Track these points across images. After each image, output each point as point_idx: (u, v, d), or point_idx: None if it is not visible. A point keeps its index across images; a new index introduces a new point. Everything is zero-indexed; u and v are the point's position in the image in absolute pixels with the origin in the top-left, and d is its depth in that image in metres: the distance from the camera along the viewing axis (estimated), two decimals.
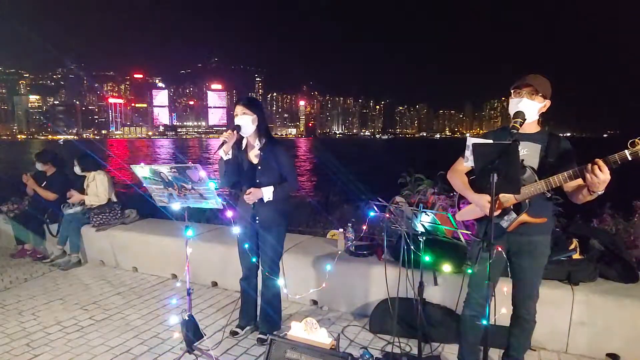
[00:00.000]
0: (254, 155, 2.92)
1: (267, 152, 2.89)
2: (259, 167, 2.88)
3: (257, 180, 2.88)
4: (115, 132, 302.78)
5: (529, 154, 2.15)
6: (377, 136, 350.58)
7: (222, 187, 2.95)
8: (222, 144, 2.73)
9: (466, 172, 2.36)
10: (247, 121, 2.80)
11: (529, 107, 2.10)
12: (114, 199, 5.07)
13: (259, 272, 3.08)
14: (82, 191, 4.98)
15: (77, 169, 4.99)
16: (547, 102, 2.18)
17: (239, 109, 2.82)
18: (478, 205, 2.23)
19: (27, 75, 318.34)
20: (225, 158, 2.81)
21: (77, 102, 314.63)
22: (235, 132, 2.75)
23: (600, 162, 1.84)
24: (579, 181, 2.01)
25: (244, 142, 2.95)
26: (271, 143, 2.92)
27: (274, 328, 3.09)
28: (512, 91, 2.20)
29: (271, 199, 2.86)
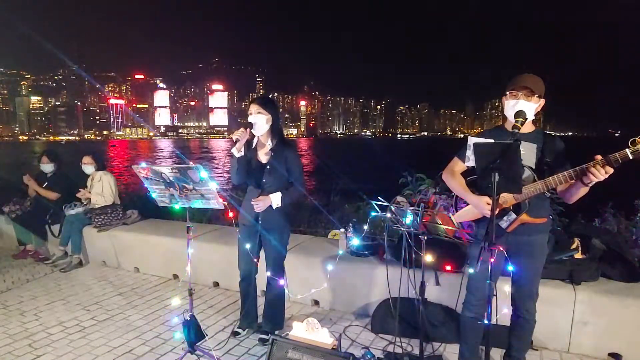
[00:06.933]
0: (263, 155, 2.91)
1: (278, 153, 2.88)
2: (267, 167, 2.87)
3: (264, 180, 2.87)
4: (117, 133, 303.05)
5: (526, 153, 2.15)
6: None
7: (234, 184, 2.97)
8: (235, 142, 2.73)
9: (462, 173, 2.36)
10: (261, 120, 2.80)
11: (525, 108, 2.10)
12: (117, 201, 5.09)
13: (259, 273, 3.09)
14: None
15: (89, 168, 4.99)
16: (542, 101, 2.19)
17: (253, 108, 2.82)
18: (477, 207, 2.23)
19: (29, 76, 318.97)
20: (237, 155, 2.80)
21: (79, 103, 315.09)
22: (248, 130, 2.74)
23: (603, 161, 1.85)
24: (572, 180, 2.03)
25: (255, 140, 2.95)
26: (282, 144, 2.91)
27: (276, 328, 3.09)
28: (507, 92, 2.20)
29: (280, 205, 2.86)
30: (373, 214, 2.60)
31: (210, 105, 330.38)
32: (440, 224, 2.23)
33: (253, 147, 2.94)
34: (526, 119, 2.07)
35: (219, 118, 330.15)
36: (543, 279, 2.43)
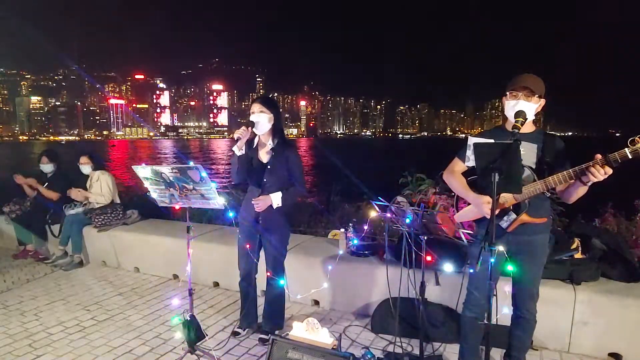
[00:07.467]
0: (264, 154, 2.92)
1: (279, 152, 2.88)
2: (268, 167, 2.87)
3: (264, 179, 2.87)
4: (117, 133, 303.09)
5: (526, 153, 2.15)
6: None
7: (235, 183, 2.97)
8: (237, 140, 2.74)
9: (463, 173, 2.36)
10: (263, 119, 2.80)
11: (526, 108, 2.09)
12: (117, 200, 5.09)
13: (259, 273, 3.09)
14: (84, 189, 5.00)
15: (86, 168, 4.99)
16: (542, 101, 2.18)
17: (256, 107, 2.82)
18: (477, 207, 2.23)
19: (29, 76, 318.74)
20: (238, 154, 2.81)
21: (79, 103, 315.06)
22: (249, 128, 2.74)
23: (603, 160, 1.85)
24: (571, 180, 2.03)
25: (256, 140, 2.95)
26: (283, 144, 2.91)
27: (276, 328, 3.09)
28: (507, 93, 2.19)
29: (280, 204, 2.86)
30: (373, 214, 2.60)
31: (210, 105, 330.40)
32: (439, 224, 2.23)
33: (254, 146, 2.94)
34: (526, 119, 2.06)
35: (219, 118, 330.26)
36: (543, 279, 2.43)
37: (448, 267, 2.95)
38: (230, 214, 2.94)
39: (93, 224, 4.83)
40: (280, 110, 3.03)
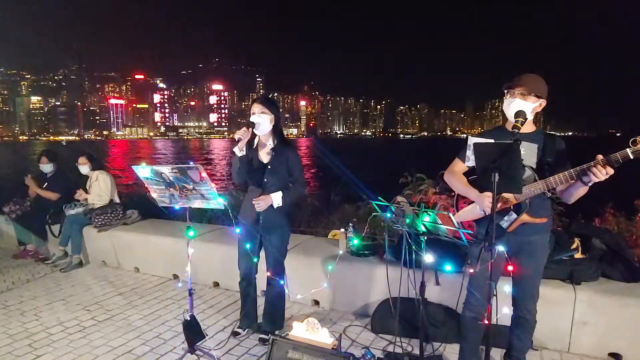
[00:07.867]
0: (264, 154, 2.92)
1: (279, 152, 2.89)
2: (269, 167, 2.88)
3: (265, 179, 2.88)
4: (117, 133, 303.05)
5: (527, 153, 2.15)
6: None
7: (236, 183, 2.97)
8: (238, 141, 2.74)
9: (464, 173, 2.36)
10: (265, 120, 2.81)
11: (521, 107, 2.08)
12: (117, 200, 5.09)
13: (259, 273, 3.09)
14: (84, 191, 5.00)
15: (85, 168, 4.99)
16: (542, 102, 2.17)
17: (257, 108, 2.83)
18: (479, 204, 2.22)
19: (29, 76, 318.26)
20: (239, 154, 2.81)
21: (79, 103, 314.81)
22: (250, 129, 2.75)
23: (604, 160, 1.85)
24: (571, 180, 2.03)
25: (256, 140, 2.96)
26: (283, 144, 2.93)
27: (276, 328, 3.09)
28: (505, 91, 2.19)
29: (280, 204, 2.86)
30: (373, 214, 2.60)
31: (210, 105, 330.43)
32: (440, 224, 2.23)
33: (254, 147, 2.95)
34: (526, 119, 2.06)
35: (219, 118, 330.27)
36: (543, 279, 2.43)
37: (448, 267, 2.95)
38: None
39: (93, 224, 4.83)
40: (280, 110, 3.04)
